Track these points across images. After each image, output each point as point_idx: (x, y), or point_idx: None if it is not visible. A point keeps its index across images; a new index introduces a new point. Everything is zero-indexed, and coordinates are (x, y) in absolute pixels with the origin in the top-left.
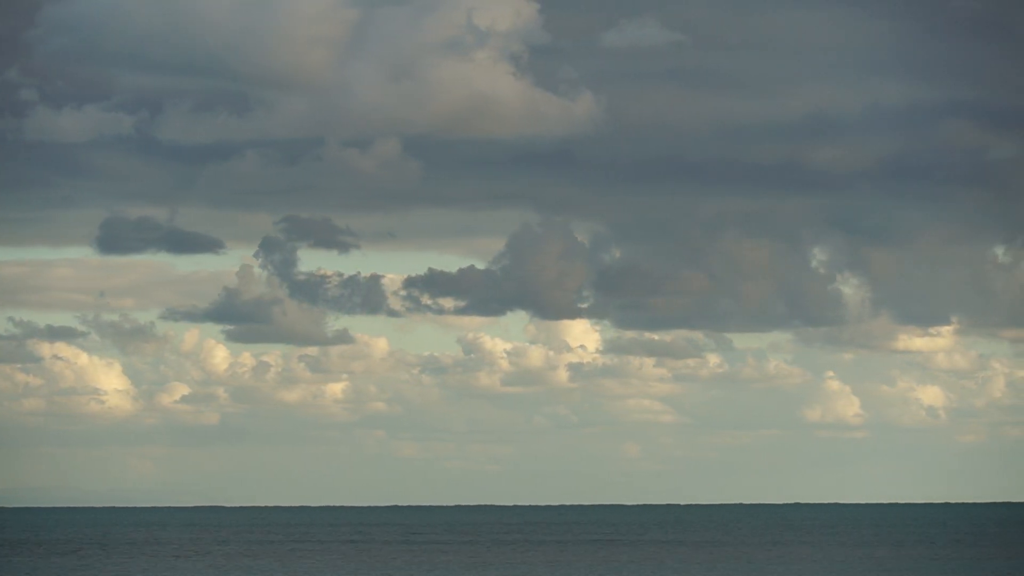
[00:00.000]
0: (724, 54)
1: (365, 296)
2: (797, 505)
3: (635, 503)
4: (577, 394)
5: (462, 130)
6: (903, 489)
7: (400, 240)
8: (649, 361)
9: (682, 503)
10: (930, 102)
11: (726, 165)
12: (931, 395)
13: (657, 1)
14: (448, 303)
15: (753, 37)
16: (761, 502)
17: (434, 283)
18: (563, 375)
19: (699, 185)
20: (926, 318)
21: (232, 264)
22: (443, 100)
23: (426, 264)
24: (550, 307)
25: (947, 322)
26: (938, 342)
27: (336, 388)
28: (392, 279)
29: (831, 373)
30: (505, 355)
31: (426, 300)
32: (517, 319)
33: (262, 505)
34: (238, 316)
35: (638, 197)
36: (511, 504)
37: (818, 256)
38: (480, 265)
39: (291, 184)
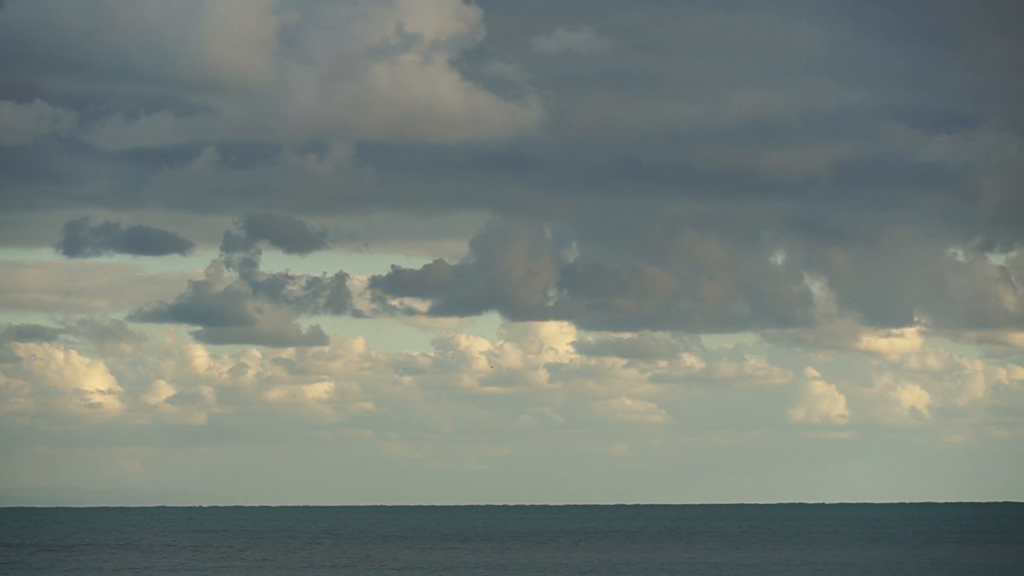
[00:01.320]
0: (661, 58)
1: (337, 298)
2: (784, 505)
3: (624, 503)
4: (559, 395)
5: (410, 134)
6: (890, 489)
7: (363, 243)
8: (626, 362)
9: (670, 503)
10: (870, 105)
11: (678, 168)
12: (912, 395)
13: (592, 7)
14: (419, 304)
15: (687, 42)
16: (749, 502)
17: (405, 285)
18: (543, 376)
19: (654, 188)
20: (894, 319)
21: (200, 265)
22: (390, 104)
23: (393, 266)
24: (523, 308)
25: (919, 323)
26: (911, 343)
27: (319, 389)
28: (362, 280)
29: (813, 373)
30: (483, 356)
31: (397, 302)
32: (490, 321)
33: (254, 505)
34: (213, 317)
35: (595, 199)
36: (500, 504)
37: (781, 259)
38: (452, 269)
39: (248, 187)
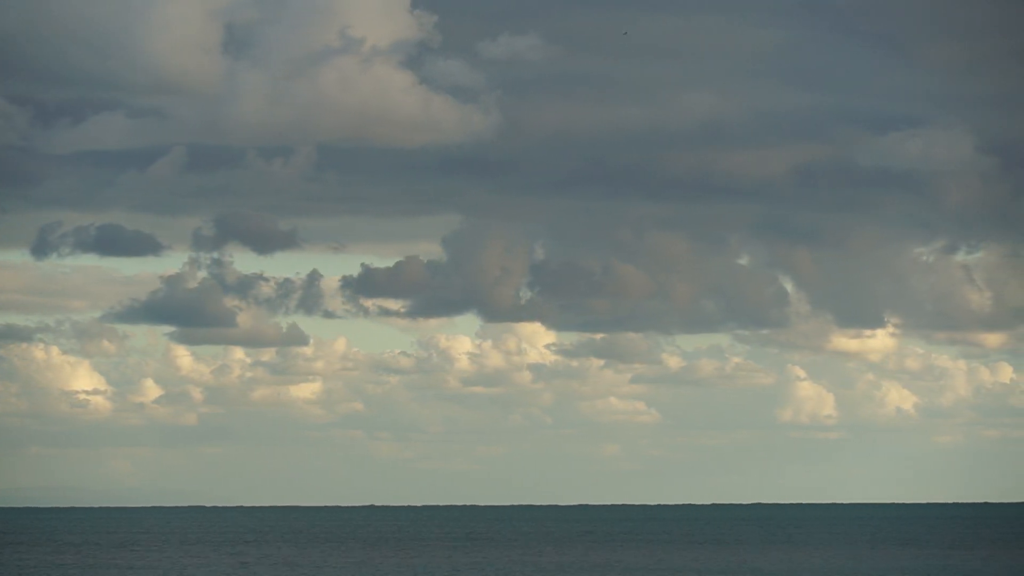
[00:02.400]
0: (609, 62)
1: (313, 298)
2: (771, 506)
3: (614, 503)
4: (543, 396)
5: (371, 138)
6: (879, 489)
7: (336, 243)
8: (605, 362)
9: (659, 503)
10: (820, 108)
11: (642, 171)
12: (895, 396)
13: (539, 11)
14: (397, 305)
15: (634, 45)
16: (736, 502)
17: (380, 285)
18: (526, 376)
19: (620, 190)
20: (867, 320)
21: (175, 266)
22: (348, 109)
23: (365, 265)
24: (500, 310)
25: (891, 324)
26: (887, 343)
27: (305, 389)
28: (338, 281)
29: (796, 374)
30: (466, 356)
31: (371, 303)
32: (469, 321)
33: (253, 505)
34: (190, 318)
35: (562, 201)
36: (490, 504)
37: (751, 260)
38: (424, 269)
39: (215, 189)
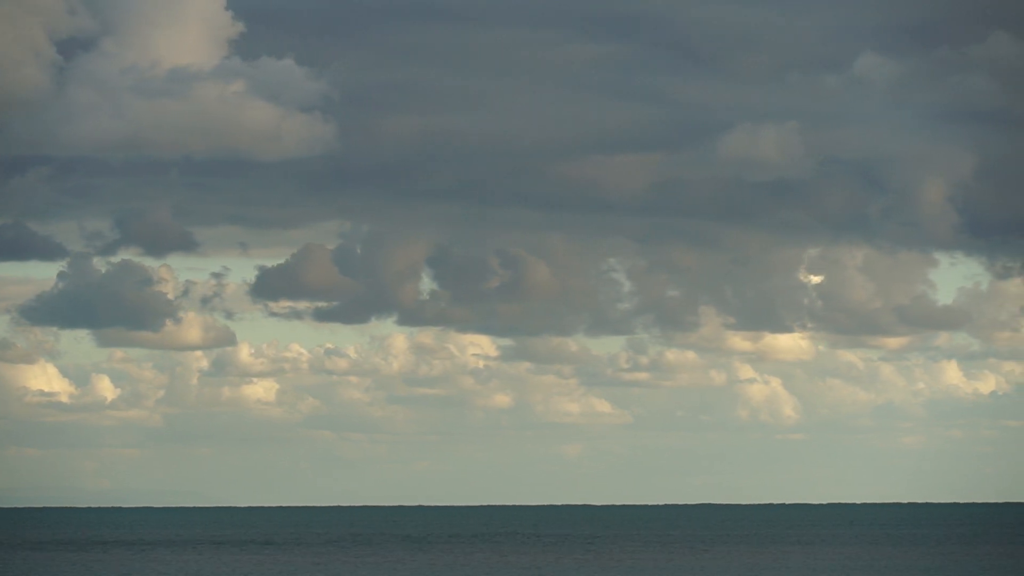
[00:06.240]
0: (446, 75)
1: (228, 299)
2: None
3: (577, 503)
4: (494, 397)
5: (235, 149)
6: (834, 487)
7: (235, 248)
8: (539, 365)
9: (620, 504)
10: (655, 119)
11: (511, 180)
12: (849, 395)
13: (377, 27)
14: (319, 306)
15: (466, 58)
16: (652, 503)
17: (301, 290)
18: (468, 380)
19: (496, 199)
20: (776, 325)
21: (82, 271)
22: (202, 125)
23: (261, 266)
24: (419, 316)
25: (799, 327)
26: (802, 344)
27: (254, 389)
28: (245, 284)
29: (719, 376)
30: (404, 357)
31: (291, 304)
32: (391, 326)
33: (220, 505)
34: (121, 321)
35: (446, 208)
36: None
37: (648, 266)
38: (338, 272)
39: (86, 200)
